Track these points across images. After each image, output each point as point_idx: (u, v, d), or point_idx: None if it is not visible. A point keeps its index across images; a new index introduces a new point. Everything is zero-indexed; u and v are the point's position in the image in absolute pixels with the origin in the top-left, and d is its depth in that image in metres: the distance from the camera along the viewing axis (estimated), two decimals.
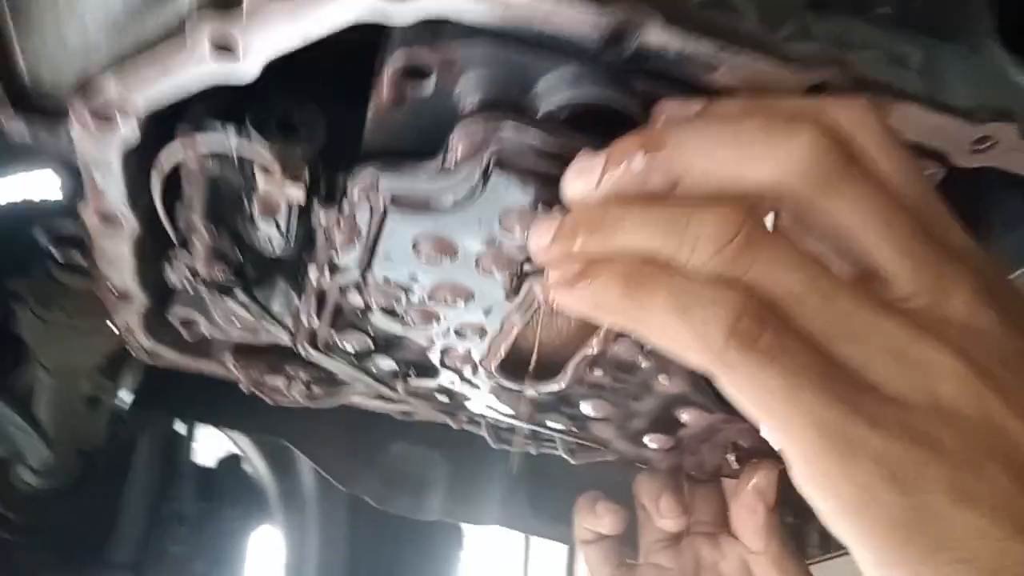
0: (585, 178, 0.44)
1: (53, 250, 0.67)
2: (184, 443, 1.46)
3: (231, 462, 1.62)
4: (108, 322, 0.93)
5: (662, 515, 0.79)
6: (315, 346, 0.69)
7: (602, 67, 0.51)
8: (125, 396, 1.50)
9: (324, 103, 0.58)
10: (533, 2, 0.46)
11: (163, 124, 0.57)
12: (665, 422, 0.72)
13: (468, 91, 0.53)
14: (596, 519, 0.85)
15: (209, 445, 1.62)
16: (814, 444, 0.37)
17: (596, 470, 1.14)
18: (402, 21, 0.47)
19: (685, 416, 0.70)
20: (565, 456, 0.93)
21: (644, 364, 0.66)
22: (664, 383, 0.67)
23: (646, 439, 0.73)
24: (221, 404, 1.02)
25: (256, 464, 1.63)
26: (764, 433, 0.40)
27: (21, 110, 0.55)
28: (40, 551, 1.21)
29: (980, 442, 0.37)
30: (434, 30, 0.50)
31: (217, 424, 1.17)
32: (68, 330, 0.93)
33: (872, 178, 0.40)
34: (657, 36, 0.48)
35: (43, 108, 0.56)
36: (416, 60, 0.51)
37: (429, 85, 0.53)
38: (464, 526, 1.58)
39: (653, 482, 0.82)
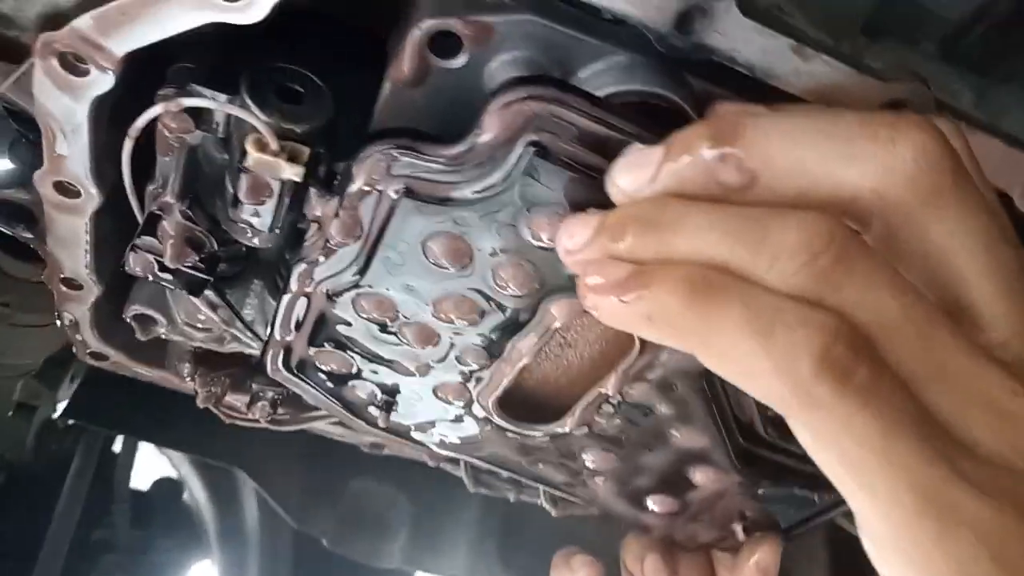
0: (639, 170, 0.37)
1: None
2: (120, 463, 1.33)
3: (168, 486, 1.49)
4: (54, 316, 0.84)
5: None
6: (287, 364, 0.60)
7: (656, 58, 0.45)
8: (59, 406, 1.39)
9: (326, 76, 0.51)
10: None
11: (138, 80, 0.49)
12: (673, 482, 0.64)
13: (502, 71, 0.46)
14: (572, 574, 0.76)
15: (145, 467, 1.49)
16: (908, 508, 0.31)
17: (571, 521, 1.06)
18: None
19: (698, 476, 0.62)
20: (546, 506, 0.85)
21: (663, 411, 0.58)
22: (681, 435, 0.60)
23: (649, 500, 0.65)
24: (167, 421, 0.91)
25: (195, 491, 1.51)
26: (840, 490, 0.32)
27: None
28: None
29: None
30: None
31: (161, 443, 1.07)
32: (8, 327, 0.83)
33: (982, 199, 0.34)
34: (730, 25, 0.42)
35: None
36: (445, 27, 0.45)
37: (458, 59, 0.46)
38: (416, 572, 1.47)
39: (640, 544, 0.74)
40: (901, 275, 0.33)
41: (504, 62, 0.46)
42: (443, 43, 0.46)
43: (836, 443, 0.31)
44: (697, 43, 0.43)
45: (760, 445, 0.59)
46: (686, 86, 0.46)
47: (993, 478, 0.31)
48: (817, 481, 0.61)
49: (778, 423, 0.60)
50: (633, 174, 0.37)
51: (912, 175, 0.33)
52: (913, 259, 0.35)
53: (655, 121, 0.46)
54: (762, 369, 0.31)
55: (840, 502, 0.62)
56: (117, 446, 1.31)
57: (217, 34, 0.45)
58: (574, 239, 0.37)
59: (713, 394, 0.57)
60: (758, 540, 0.67)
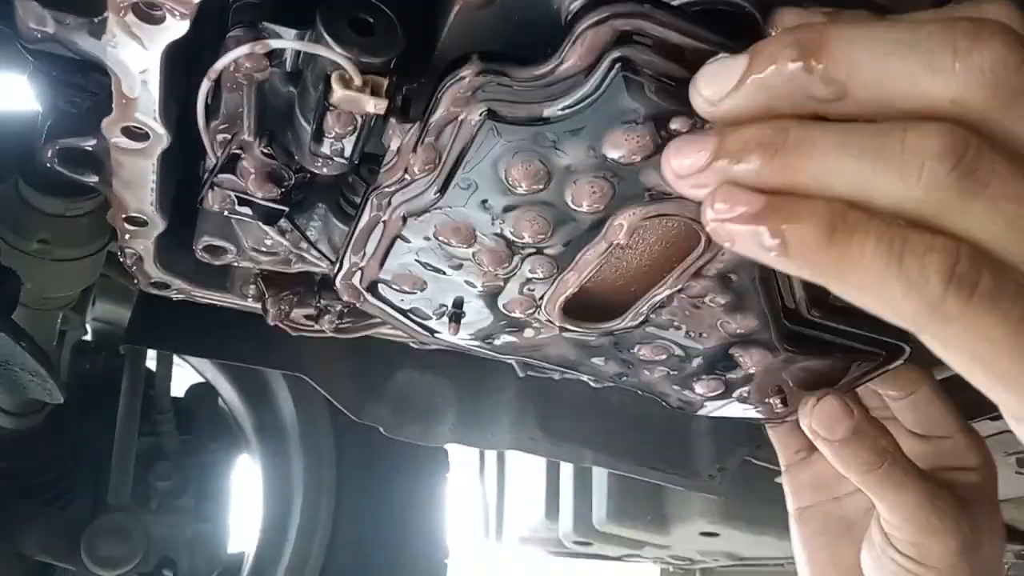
0: (724, 78, 0.38)
1: (64, 170, 0.58)
2: (159, 377, 1.37)
3: (203, 391, 1.54)
4: (100, 256, 0.85)
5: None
6: (359, 284, 0.63)
7: None
8: (88, 327, 1.41)
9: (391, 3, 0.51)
10: None
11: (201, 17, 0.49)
12: (720, 364, 0.69)
13: None
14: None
15: (174, 377, 1.54)
16: None
17: (604, 390, 1.14)
18: None
19: (744, 358, 0.68)
20: (588, 382, 0.91)
21: (718, 301, 0.63)
22: (733, 321, 0.64)
23: (696, 384, 0.71)
24: (223, 337, 0.95)
25: (226, 393, 1.57)
26: (980, 387, 0.37)
27: None
28: (25, 497, 1.14)
29: None
30: None
31: (221, 358, 1.10)
32: (49, 261, 0.84)
33: None
34: None
35: None
36: None
37: None
38: (449, 446, 1.56)
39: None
40: None
41: None
42: None
43: (969, 347, 0.35)
44: None
45: (804, 324, 0.64)
46: None
47: None
48: (847, 351, 0.66)
49: (821, 303, 0.64)
50: (717, 83, 0.39)
51: (993, 84, 0.35)
52: (1015, 155, 0.36)
53: (734, 29, 0.47)
54: (896, 295, 0.35)
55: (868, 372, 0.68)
56: (151, 363, 1.36)
57: None
58: (687, 161, 0.39)
59: (765, 281, 0.61)
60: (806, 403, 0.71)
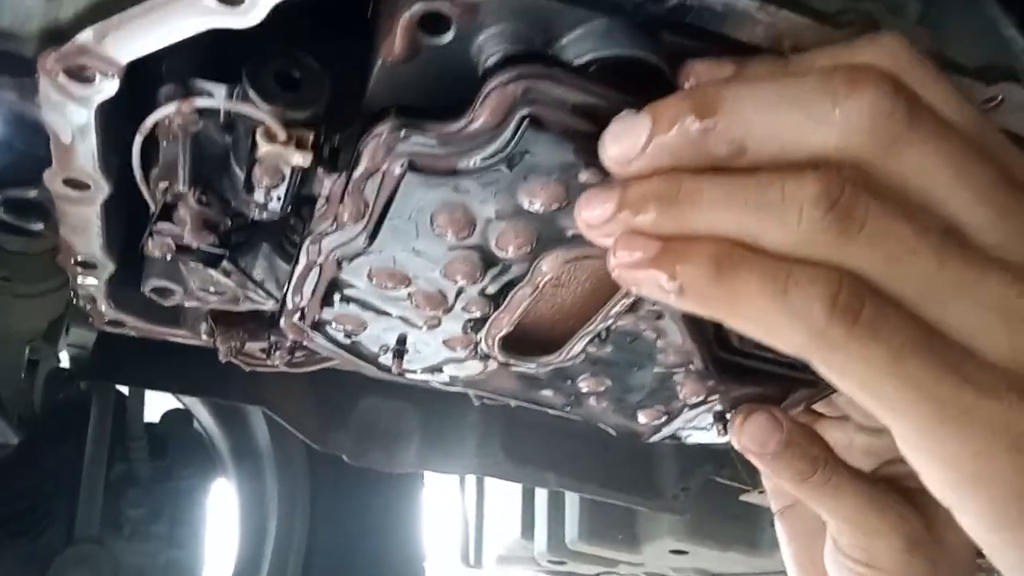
0: (628, 140, 0.41)
1: (10, 219, 0.60)
2: (131, 403, 1.39)
3: (177, 416, 1.56)
4: (65, 289, 0.86)
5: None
6: (302, 323, 0.65)
7: (632, 20, 0.48)
8: (61, 356, 1.42)
9: (315, 50, 0.53)
10: None
11: (137, 71, 0.51)
12: (660, 394, 0.71)
13: (489, 42, 0.49)
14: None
15: (152, 400, 1.55)
16: (926, 418, 0.36)
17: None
18: None
19: (683, 388, 0.70)
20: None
21: (649, 335, 0.64)
22: (666, 354, 0.66)
23: (639, 413, 0.73)
24: (181, 370, 0.96)
25: (203, 417, 1.58)
26: (870, 412, 0.38)
27: None
28: None
29: None
30: None
31: (178, 392, 1.12)
32: (11, 298, 0.86)
33: (938, 127, 0.38)
34: None
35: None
36: (435, 8, 0.47)
37: (447, 36, 0.49)
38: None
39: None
40: (908, 208, 0.38)
41: (491, 34, 0.49)
42: (432, 22, 0.48)
43: (856, 375, 0.37)
44: (670, 8, 0.46)
45: (736, 354, 0.66)
46: (662, 45, 0.49)
47: (1003, 377, 0.36)
48: (782, 380, 0.68)
49: None
50: (623, 144, 0.41)
51: (870, 130, 0.37)
52: (893, 194, 0.39)
53: (635, 81, 0.50)
54: (783, 326, 0.37)
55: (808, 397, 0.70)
56: (126, 389, 1.37)
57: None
58: (595, 213, 0.41)
59: (691, 315, 0.63)
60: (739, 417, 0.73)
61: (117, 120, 0.55)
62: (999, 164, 0.40)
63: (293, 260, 0.61)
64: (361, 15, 0.55)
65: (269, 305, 0.70)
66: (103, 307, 0.74)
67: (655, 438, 0.80)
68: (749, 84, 0.40)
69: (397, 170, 0.50)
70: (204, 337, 0.76)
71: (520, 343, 0.67)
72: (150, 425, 1.46)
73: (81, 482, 1.19)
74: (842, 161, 0.38)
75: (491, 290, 0.60)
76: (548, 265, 0.56)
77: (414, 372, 0.72)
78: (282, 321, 0.66)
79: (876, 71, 0.38)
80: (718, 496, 1.36)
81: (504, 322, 0.62)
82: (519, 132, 0.46)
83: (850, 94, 0.37)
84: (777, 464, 0.65)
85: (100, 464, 1.21)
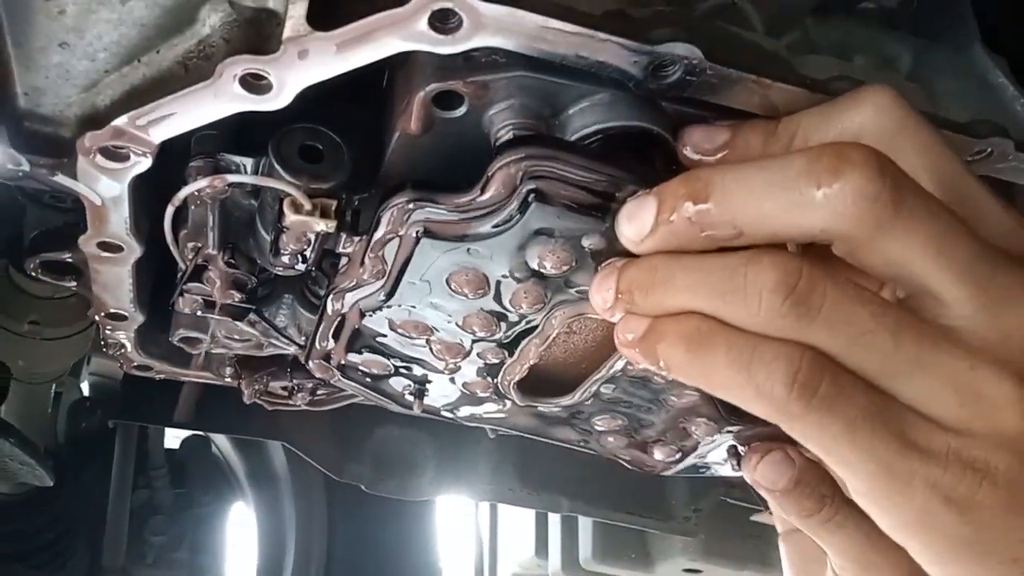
0: (639, 222, 0.45)
1: (47, 279, 0.63)
2: (151, 431, 1.42)
3: (197, 443, 1.59)
4: (90, 331, 0.90)
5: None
6: (328, 367, 0.68)
7: (634, 92, 0.51)
8: (83, 386, 1.46)
9: (336, 124, 0.56)
10: (579, 39, 0.45)
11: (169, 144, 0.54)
12: (673, 433, 0.74)
13: (499, 116, 0.52)
14: None
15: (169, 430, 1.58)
16: (875, 478, 0.40)
17: None
18: (449, 51, 0.46)
19: (694, 427, 0.72)
20: None
21: (659, 379, 0.67)
22: (676, 396, 0.69)
23: (654, 450, 0.76)
24: (205, 409, 0.99)
25: (221, 442, 1.61)
26: (830, 467, 0.42)
27: (15, 136, 0.51)
28: (20, 562, 1.17)
29: None
30: (467, 56, 0.49)
31: (203, 430, 1.15)
32: (39, 341, 0.89)
33: (923, 207, 0.40)
34: (698, 69, 0.48)
35: (42, 138, 0.52)
36: (448, 88, 0.50)
37: (459, 110, 0.52)
38: None
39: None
40: (865, 290, 0.41)
41: (501, 108, 0.52)
42: (446, 98, 0.51)
43: (814, 441, 0.41)
44: (670, 84, 0.49)
45: None
46: (663, 113, 0.52)
47: (947, 444, 0.40)
48: None
49: None
50: (634, 225, 0.45)
51: (854, 215, 0.39)
52: (874, 268, 0.42)
53: (639, 147, 0.52)
54: (749, 397, 0.41)
55: None
56: None
57: None
58: (597, 300, 0.47)
59: None
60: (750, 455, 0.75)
61: (148, 188, 0.58)
62: (982, 229, 0.42)
63: (319, 310, 0.64)
64: (376, 86, 0.58)
65: (292, 350, 0.73)
66: (132, 354, 0.77)
67: (669, 472, 0.82)
68: (740, 170, 0.43)
69: (413, 235, 0.53)
70: (229, 380, 0.79)
71: (536, 385, 0.70)
72: (170, 451, 1.49)
73: (106, 512, 1.22)
74: (832, 241, 0.41)
75: (506, 340, 0.63)
76: (558, 319, 0.59)
77: (435, 411, 0.75)
78: (310, 363, 0.69)
79: (861, 153, 0.40)
80: (730, 515, 1.38)
81: (518, 369, 0.65)
82: (525, 204, 0.49)
83: (834, 180, 0.39)
84: (786, 501, 0.67)
85: (125, 495, 1.24)
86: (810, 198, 0.40)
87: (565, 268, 0.53)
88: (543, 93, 0.51)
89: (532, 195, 0.48)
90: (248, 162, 0.54)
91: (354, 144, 0.56)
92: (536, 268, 0.53)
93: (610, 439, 0.77)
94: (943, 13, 0.71)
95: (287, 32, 0.43)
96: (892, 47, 0.68)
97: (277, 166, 0.52)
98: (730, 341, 0.41)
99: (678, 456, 0.76)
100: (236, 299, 0.61)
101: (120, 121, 0.48)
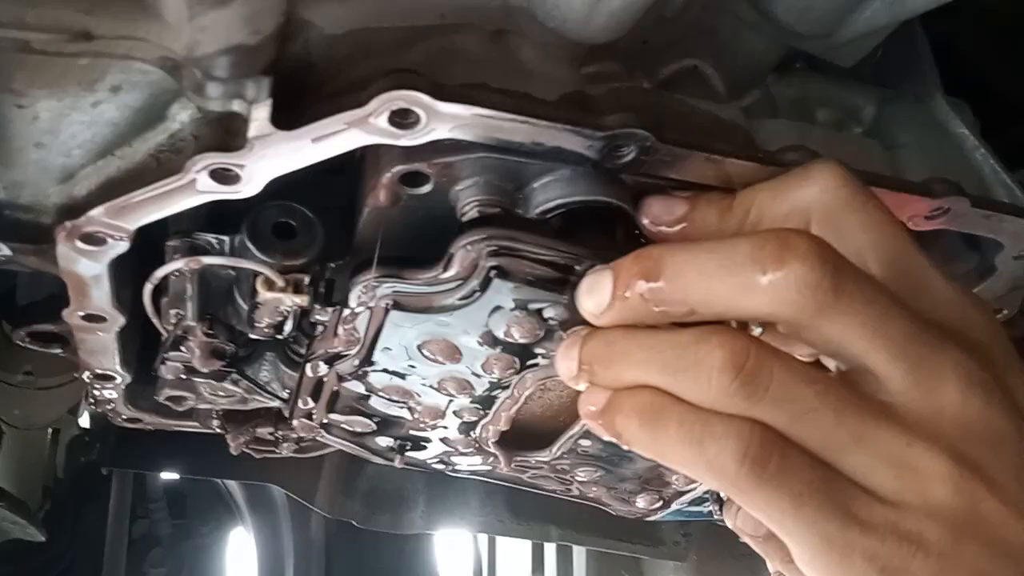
0: (597, 297, 0.47)
1: (34, 347, 0.65)
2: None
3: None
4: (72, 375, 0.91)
5: None
6: (312, 423, 0.69)
7: (595, 168, 0.53)
8: (80, 421, 1.47)
9: (310, 192, 0.58)
10: (534, 129, 0.47)
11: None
12: (653, 482, 0.75)
13: (464, 192, 0.53)
14: None
15: None
16: (817, 548, 0.42)
17: None
18: (410, 144, 0.48)
19: (673, 476, 0.74)
20: None
21: None
22: None
23: (636, 499, 0.78)
24: (197, 455, 1.01)
25: None
26: (782, 538, 0.44)
27: None
28: None
29: (963, 530, 0.42)
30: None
31: (196, 475, 1.16)
32: (34, 391, 0.91)
33: (862, 292, 0.42)
34: (650, 149, 0.50)
35: (22, 225, 0.54)
36: (414, 169, 0.52)
37: (425, 187, 0.54)
38: None
39: None
40: (810, 369, 0.42)
41: (466, 185, 0.53)
42: (412, 177, 0.53)
43: (766, 514, 0.42)
44: (627, 163, 0.50)
45: None
46: (623, 187, 0.54)
47: (885, 517, 0.42)
48: None
49: None
50: (594, 300, 0.47)
51: (797, 302, 0.41)
52: (816, 346, 0.44)
53: (601, 219, 0.54)
54: (701, 470, 0.42)
55: None
56: None
57: None
58: (562, 370, 0.48)
59: None
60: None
61: (128, 264, 0.59)
62: (921, 305, 0.44)
63: (299, 370, 0.66)
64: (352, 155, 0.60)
65: (276, 404, 0.75)
66: (121, 408, 0.79)
67: (655, 518, 0.84)
68: (690, 251, 0.45)
69: (383, 307, 0.55)
70: (217, 429, 0.81)
71: (515, 439, 0.71)
72: (168, 485, 1.51)
73: (105, 545, 1.24)
74: (774, 322, 0.43)
75: (480, 401, 0.64)
76: (529, 382, 0.61)
77: (421, 463, 0.77)
78: (293, 421, 0.71)
79: (804, 242, 0.42)
80: (721, 536, 1.39)
81: (494, 427, 0.67)
82: (487, 280, 0.51)
83: (779, 268, 0.41)
84: (767, 546, 0.69)
85: (123, 531, 1.26)
86: (756, 283, 0.42)
87: (532, 337, 0.55)
88: (506, 170, 0.53)
89: (493, 271, 0.50)
90: (224, 239, 0.56)
91: (328, 213, 0.58)
92: (503, 337, 0.55)
93: (592, 489, 0.79)
94: (905, 63, 0.72)
95: (252, 132, 0.44)
96: (855, 99, 0.70)
97: (250, 244, 0.54)
98: (682, 416, 0.42)
99: (660, 504, 0.78)
100: (217, 367, 0.62)
101: (96, 212, 0.50)
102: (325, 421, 0.69)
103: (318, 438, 0.73)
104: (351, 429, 0.70)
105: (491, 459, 0.73)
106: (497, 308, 0.53)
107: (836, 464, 0.42)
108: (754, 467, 0.41)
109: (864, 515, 0.42)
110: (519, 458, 0.72)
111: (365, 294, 0.54)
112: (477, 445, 0.71)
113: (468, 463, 0.76)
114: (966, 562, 0.41)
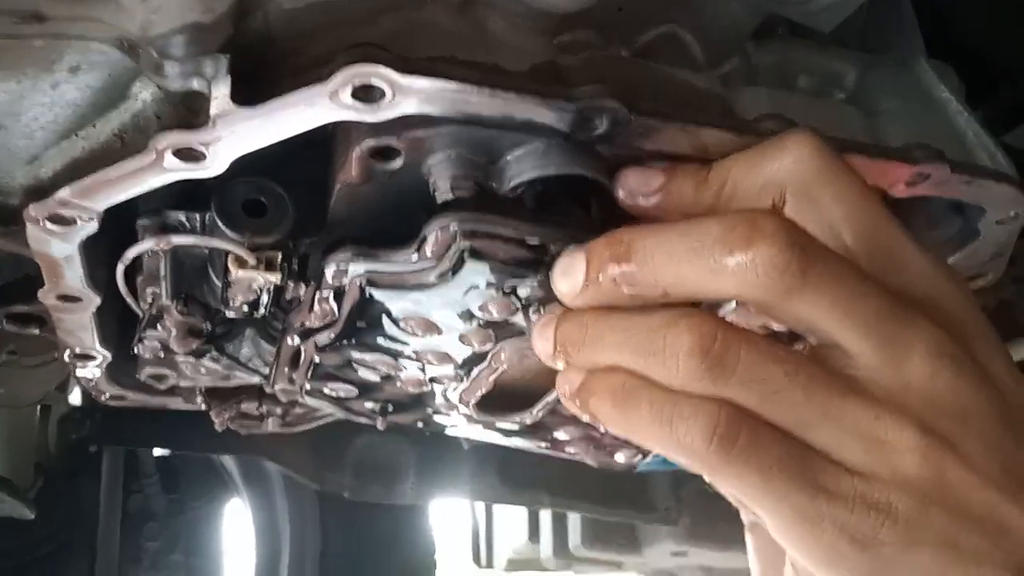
0: (571, 280, 0.47)
1: (13, 328, 0.65)
2: None
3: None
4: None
5: None
6: (293, 387, 0.69)
7: (568, 140, 0.52)
8: (70, 398, 1.48)
9: (281, 168, 0.57)
10: (502, 102, 0.46)
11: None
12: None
13: (437, 167, 0.53)
14: None
15: None
16: (788, 520, 0.43)
17: None
18: (376, 120, 0.47)
19: None
20: None
21: None
22: None
23: (617, 454, 0.78)
24: (186, 430, 1.01)
25: None
26: (748, 506, 0.45)
27: None
28: None
29: (931, 498, 0.42)
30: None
31: (185, 450, 1.17)
32: (18, 369, 0.91)
33: (831, 271, 0.42)
34: (623, 120, 0.49)
35: None
36: (384, 144, 0.51)
37: (397, 162, 0.53)
38: None
39: None
40: (779, 349, 0.43)
41: (438, 160, 0.53)
42: (383, 152, 0.52)
43: (733, 487, 0.43)
44: (599, 135, 0.50)
45: None
46: (598, 158, 0.53)
47: (853, 487, 0.42)
48: None
49: None
50: (568, 281, 0.47)
51: (765, 284, 0.42)
52: (788, 324, 0.45)
53: (577, 192, 0.54)
54: (672, 450, 0.43)
55: None
56: None
57: None
58: (539, 349, 0.48)
59: None
60: None
61: (101, 243, 0.59)
62: (893, 278, 0.44)
63: (277, 344, 0.66)
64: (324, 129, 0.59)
65: (257, 380, 0.75)
66: (104, 386, 0.78)
67: (638, 470, 0.85)
68: (660, 234, 0.45)
69: (357, 284, 0.54)
70: (201, 406, 0.81)
71: (495, 402, 0.72)
72: (162, 459, 1.52)
73: (99, 521, 1.25)
74: (747, 303, 0.44)
75: (460, 369, 0.64)
76: (506, 353, 0.60)
77: (405, 423, 0.77)
78: (276, 389, 0.71)
79: (772, 223, 0.42)
80: (713, 500, 1.41)
81: (476, 389, 0.67)
82: (461, 261, 0.51)
83: (747, 250, 0.41)
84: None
85: (116, 505, 1.27)
86: (724, 266, 0.42)
87: (507, 314, 0.54)
88: (478, 143, 0.52)
89: (466, 252, 0.50)
90: (196, 216, 0.55)
91: (301, 189, 0.57)
92: (479, 314, 0.55)
93: (572, 447, 0.79)
94: (888, 27, 0.71)
95: (214, 109, 0.44)
96: (837, 65, 0.69)
97: (220, 223, 0.53)
98: (653, 398, 0.43)
99: (639, 456, 0.79)
100: (194, 346, 0.62)
101: (63, 193, 0.49)
102: (307, 387, 0.69)
103: (301, 401, 0.73)
104: (333, 395, 0.70)
105: (473, 421, 0.74)
106: (473, 287, 0.53)
107: (806, 439, 0.43)
108: (722, 444, 0.41)
109: (833, 487, 0.42)
110: (499, 420, 0.73)
111: (339, 273, 0.53)
112: (458, 408, 0.72)
113: (452, 422, 0.76)
114: (934, 529, 0.42)
